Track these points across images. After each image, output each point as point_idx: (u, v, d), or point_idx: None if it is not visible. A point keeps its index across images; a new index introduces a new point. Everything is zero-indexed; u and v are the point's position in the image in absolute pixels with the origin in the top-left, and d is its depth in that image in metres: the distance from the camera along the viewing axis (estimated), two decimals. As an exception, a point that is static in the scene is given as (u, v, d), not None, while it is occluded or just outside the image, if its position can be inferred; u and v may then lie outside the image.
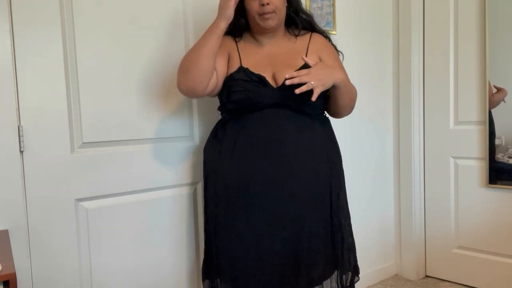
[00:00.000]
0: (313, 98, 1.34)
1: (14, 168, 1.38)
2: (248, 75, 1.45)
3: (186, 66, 1.43)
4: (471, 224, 2.39)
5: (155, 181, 1.70)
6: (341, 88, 1.45)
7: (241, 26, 1.56)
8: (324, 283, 1.51)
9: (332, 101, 1.52)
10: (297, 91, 1.33)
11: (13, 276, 0.96)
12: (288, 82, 1.36)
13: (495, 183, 2.27)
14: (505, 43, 2.20)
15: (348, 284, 1.55)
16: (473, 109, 2.34)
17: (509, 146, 2.23)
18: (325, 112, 1.60)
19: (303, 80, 1.34)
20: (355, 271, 1.59)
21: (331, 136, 1.59)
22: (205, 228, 1.57)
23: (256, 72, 1.46)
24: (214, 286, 1.54)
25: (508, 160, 2.22)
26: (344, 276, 1.54)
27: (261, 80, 1.45)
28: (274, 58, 1.51)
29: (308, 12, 1.64)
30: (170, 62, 1.72)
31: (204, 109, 1.82)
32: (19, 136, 1.39)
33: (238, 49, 1.54)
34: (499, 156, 2.26)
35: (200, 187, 1.82)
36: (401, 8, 2.53)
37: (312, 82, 1.34)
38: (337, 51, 1.64)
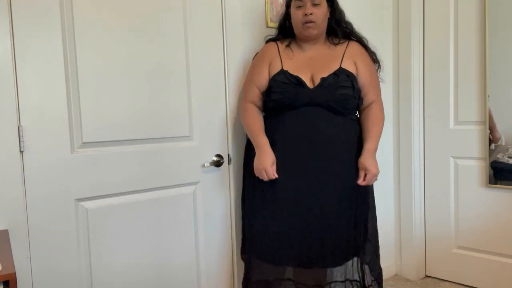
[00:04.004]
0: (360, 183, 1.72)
1: (14, 168, 1.38)
2: (287, 77, 1.67)
3: (243, 124, 1.81)
4: (471, 224, 2.39)
5: (155, 181, 1.70)
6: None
7: (286, 29, 1.80)
8: (346, 266, 1.74)
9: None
10: (362, 183, 1.73)
11: (13, 276, 0.96)
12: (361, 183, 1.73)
13: (495, 183, 2.27)
14: (505, 43, 2.20)
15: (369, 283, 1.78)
16: (473, 109, 2.34)
17: (509, 146, 2.22)
18: (357, 112, 1.79)
19: (371, 181, 1.75)
20: (378, 277, 1.81)
21: (359, 135, 1.76)
22: (244, 211, 1.84)
23: (296, 74, 1.67)
24: (250, 261, 1.77)
25: (508, 160, 2.22)
26: (364, 266, 1.76)
27: (298, 81, 1.66)
28: (313, 62, 1.71)
29: (348, 22, 1.81)
30: (171, 62, 1.72)
31: (204, 110, 1.82)
32: (19, 136, 1.39)
33: (280, 54, 1.75)
34: (499, 156, 2.26)
35: (200, 187, 1.83)
36: (401, 8, 2.53)
37: (375, 179, 1.77)
38: (375, 61, 1.83)
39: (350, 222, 1.71)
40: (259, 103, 1.76)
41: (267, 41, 1.85)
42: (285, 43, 1.79)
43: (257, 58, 1.82)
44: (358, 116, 1.79)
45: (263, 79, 1.73)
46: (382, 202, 2.61)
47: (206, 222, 1.84)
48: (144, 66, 1.66)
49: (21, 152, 1.40)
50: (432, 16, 2.48)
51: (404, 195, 2.60)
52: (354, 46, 1.77)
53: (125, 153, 1.62)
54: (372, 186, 1.82)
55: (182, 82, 1.76)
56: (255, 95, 1.75)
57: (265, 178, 1.64)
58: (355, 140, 1.74)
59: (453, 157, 2.45)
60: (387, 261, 2.63)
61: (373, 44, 2.55)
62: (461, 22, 2.36)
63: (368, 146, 1.72)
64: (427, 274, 2.61)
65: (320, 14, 1.68)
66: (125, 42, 1.61)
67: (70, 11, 1.48)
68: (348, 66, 1.70)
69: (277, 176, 1.64)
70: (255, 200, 1.73)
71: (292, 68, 1.69)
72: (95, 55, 1.54)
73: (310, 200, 1.67)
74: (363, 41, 1.82)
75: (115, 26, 1.58)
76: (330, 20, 1.76)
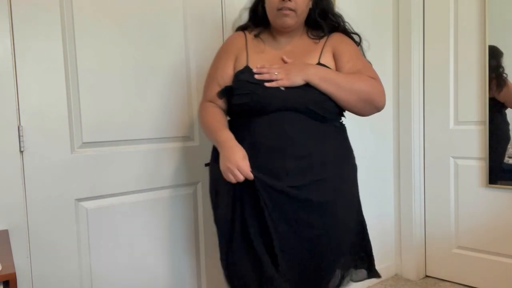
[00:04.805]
0: (267, 84, 1.31)
1: (14, 168, 1.38)
2: (254, 76, 1.34)
3: (201, 127, 1.49)
4: (471, 224, 2.39)
5: (155, 181, 1.70)
6: (322, 85, 1.31)
7: (258, 15, 1.48)
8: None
9: (333, 100, 1.35)
10: (267, 84, 1.31)
11: (13, 276, 0.96)
12: (256, 71, 1.34)
13: (495, 183, 2.27)
14: (505, 43, 2.20)
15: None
16: (473, 109, 2.34)
17: (509, 146, 2.22)
18: (342, 117, 1.45)
19: (271, 70, 1.32)
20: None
21: (346, 148, 1.45)
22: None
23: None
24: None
25: (508, 160, 2.22)
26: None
27: (269, 81, 1.32)
28: (288, 58, 1.40)
29: (338, 14, 1.51)
30: (171, 61, 1.72)
31: (204, 109, 1.82)
32: (19, 136, 1.39)
33: (246, 47, 1.46)
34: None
35: (200, 187, 1.82)
36: (401, 8, 2.53)
37: (276, 73, 1.31)
38: (358, 43, 1.50)
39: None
40: (222, 104, 1.42)
41: (236, 30, 1.55)
42: (255, 32, 1.49)
43: (220, 50, 1.51)
44: (343, 122, 1.46)
45: (226, 76, 1.42)
46: (382, 202, 2.61)
47: (206, 222, 1.84)
48: (145, 66, 1.66)
49: (21, 152, 1.40)
50: (432, 16, 2.48)
51: (404, 195, 2.60)
52: (334, 36, 1.46)
53: (125, 153, 1.62)
54: (358, 210, 1.50)
55: (182, 82, 1.76)
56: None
57: (239, 178, 1.26)
58: (338, 156, 1.39)
59: (453, 157, 2.45)
60: (387, 261, 2.63)
61: (373, 44, 2.54)
62: (461, 22, 2.36)
63: (322, 67, 1.36)
64: (427, 274, 2.61)
65: (302, 2, 1.38)
66: (125, 42, 1.61)
67: (70, 11, 1.48)
68: (328, 60, 1.40)
69: (252, 175, 1.26)
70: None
71: (260, 64, 1.37)
72: (95, 55, 1.54)
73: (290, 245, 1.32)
74: (347, 30, 1.49)
75: (116, 26, 1.58)
76: (313, 10, 1.45)
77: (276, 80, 1.31)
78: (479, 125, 2.32)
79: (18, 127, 1.39)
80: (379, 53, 2.52)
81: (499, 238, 2.29)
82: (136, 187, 1.65)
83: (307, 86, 1.31)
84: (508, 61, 2.20)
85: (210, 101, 1.44)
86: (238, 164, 1.25)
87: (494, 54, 2.23)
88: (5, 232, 1.33)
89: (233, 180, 1.27)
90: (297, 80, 1.31)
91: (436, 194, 2.53)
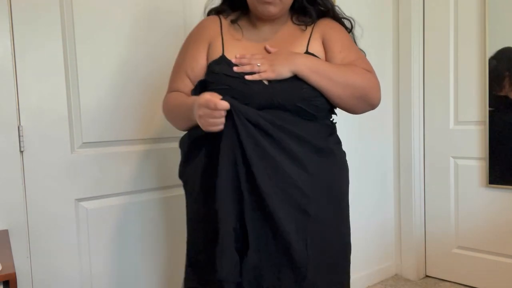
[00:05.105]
0: (248, 77, 1.11)
1: (14, 168, 1.38)
2: (232, 67, 1.14)
3: (169, 118, 1.29)
4: (471, 224, 2.39)
5: (155, 181, 1.70)
6: (312, 78, 1.12)
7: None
8: None
9: (324, 95, 1.17)
10: (248, 77, 1.11)
11: (13, 276, 0.96)
12: (235, 61, 1.14)
13: (495, 183, 2.27)
14: (505, 43, 2.20)
15: None
16: (473, 109, 2.34)
17: (509, 146, 2.23)
18: (333, 115, 1.28)
19: (252, 61, 1.13)
20: None
21: (338, 155, 1.25)
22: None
23: None
24: None
25: (508, 160, 2.22)
26: None
27: (250, 74, 1.12)
28: (270, 47, 1.20)
29: None
30: (171, 61, 1.72)
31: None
32: (19, 136, 1.39)
33: (222, 34, 1.22)
34: (499, 156, 2.26)
35: (200, 187, 1.82)
36: (401, 8, 2.53)
37: (258, 64, 1.12)
38: (348, 29, 1.32)
39: None
40: None
41: (209, 13, 1.32)
42: (231, 17, 1.26)
43: (190, 36, 1.29)
44: (334, 121, 1.28)
45: (198, 67, 1.21)
46: (382, 202, 2.61)
47: (206, 222, 1.84)
48: (145, 66, 1.66)
49: (21, 152, 1.40)
50: (432, 16, 2.48)
51: (404, 195, 2.60)
52: (323, 21, 1.26)
53: (125, 153, 1.62)
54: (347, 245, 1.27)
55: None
56: (185, 87, 1.22)
57: (215, 106, 1.02)
58: (340, 162, 1.24)
59: (453, 157, 2.45)
60: (387, 261, 2.63)
61: (373, 44, 2.54)
62: (461, 22, 2.36)
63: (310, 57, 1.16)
64: (427, 274, 2.61)
65: None
66: (126, 42, 1.61)
67: (70, 11, 1.48)
68: (317, 48, 1.21)
69: (227, 103, 1.04)
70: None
71: (240, 53, 1.16)
72: (95, 55, 1.54)
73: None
74: (337, 15, 1.30)
75: (116, 26, 1.58)
76: None
77: (258, 72, 1.11)
78: (479, 125, 2.32)
79: (18, 127, 1.39)
80: (379, 53, 2.52)
81: (499, 238, 2.29)
82: (136, 187, 1.65)
83: (295, 79, 1.12)
84: None
85: (177, 91, 1.24)
86: (206, 97, 1.03)
87: (507, 54, 2.20)
88: (5, 232, 1.33)
89: (215, 126, 1.05)
90: (284, 71, 1.11)
91: (436, 194, 2.53)
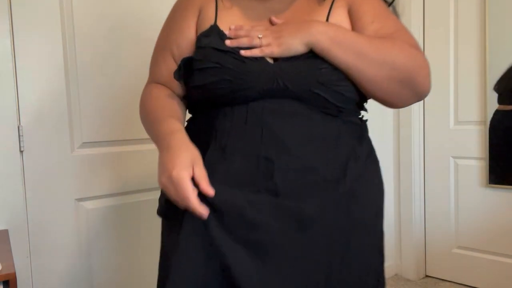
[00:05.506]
0: (244, 52, 0.81)
1: (14, 168, 1.38)
2: (225, 41, 0.84)
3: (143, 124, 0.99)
4: (471, 224, 2.39)
5: (155, 181, 1.69)
6: (335, 52, 0.80)
7: None
8: None
9: (352, 78, 0.83)
10: (243, 52, 0.81)
11: (13, 276, 0.96)
12: (229, 33, 0.84)
13: (495, 183, 2.27)
14: (506, 43, 2.20)
15: None
16: (473, 109, 2.34)
17: (509, 146, 2.23)
18: (363, 109, 0.95)
19: (251, 33, 0.83)
20: None
21: (372, 161, 0.96)
22: None
23: None
24: None
25: None
26: None
27: (248, 49, 0.82)
28: (278, 18, 0.89)
29: None
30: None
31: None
32: (19, 136, 1.39)
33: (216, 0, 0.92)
34: (499, 156, 2.26)
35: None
36: (401, 8, 2.53)
37: (260, 36, 0.82)
38: (387, 1, 1.05)
39: None
40: (179, 89, 0.93)
41: None
42: None
43: (176, 4, 0.99)
44: (363, 118, 0.96)
45: (185, 42, 0.91)
46: (382, 202, 2.61)
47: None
48: (145, 66, 1.66)
49: (21, 152, 1.40)
50: (432, 16, 2.48)
51: (404, 195, 2.60)
52: None
53: (125, 153, 1.62)
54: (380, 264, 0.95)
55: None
56: (169, 73, 0.91)
57: (185, 202, 0.76)
58: (370, 168, 0.94)
59: (453, 157, 2.45)
60: (387, 261, 2.62)
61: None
62: (461, 22, 2.36)
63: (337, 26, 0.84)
64: (427, 274, 2.61)
65: None
66: (125, 42, 1.60)
67: (70, 11, 1.48)
68: (341, 18, 0.89)
69: (212, 192, 0.76)
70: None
71: (236, 24, 0.87)
72: (95, 55, 1.54)
73: None
74: None
75: (116, 26, 1.58)
76: None
77: (260, 46, 0.81)
78: (479, 125, 2.32)
79: (18, 127, 1.39)
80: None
81: (499, 238, 2.29)
82: (136, 187, 1.65)
83: (311, 55, 0.81)
84: (508, 60, 2.19)
85: (161, 84, 0.96)
86: (179, 176, 0.75)
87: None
88: (5, 232, 1.33)
89: (175, 199, 0.78)
90: (294, 44, 0.80)
91: (436, 194, 2.53)
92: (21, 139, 1.39)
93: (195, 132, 0.88)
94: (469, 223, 2.40)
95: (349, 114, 0.89)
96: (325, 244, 0.82)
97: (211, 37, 0.85)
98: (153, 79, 0.99)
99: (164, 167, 0.80)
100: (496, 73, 2.22)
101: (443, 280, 2.54)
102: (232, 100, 0.83)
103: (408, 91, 0.86)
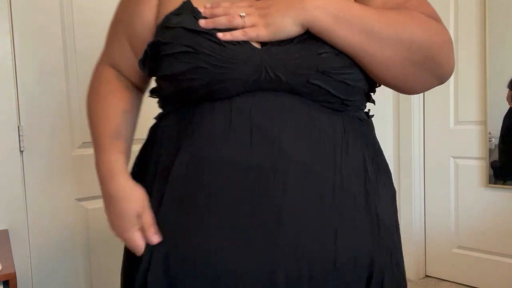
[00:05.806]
0: (222, 35, 0.63)
1: (14, 168, 1.38)
2: (199, 21, 0.66)
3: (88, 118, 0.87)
4: (471, 224, 2.39)
5: (155, 181, 1.70)
6: (338, 31, 0.63)
7: None
8: None
9: (359, 63, 0.66)
10: (221, 35, 0.63)
11: (13, 276, 0.96)
12: (205, 12, 0.66)
13: (495, 183, 2.27)
14: (506, 43, 2.20)
15: None
16: (473, 109, 2.34)
17: None
18: (370, 101, 0.81)
19: (231, 10, 0.65)
20: None
21: (382, 167, 0.84)
22: None
23: None
24: None
25: (508, 160, 2.22)
26: None
27: (228, 30, 0.65)
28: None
29: None
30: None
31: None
32: (19, 136, 1.39)
33: None
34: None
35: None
36: (401, 8, 2.54)
37: (242, 14, 0.64)
38: None
39: None
40: (134, 75, 0.83)
41: None
42: None
43: None
44: (370, 115, 0.82)
45: (143, 24, 0.78)
46: (382, 202, 2.61)
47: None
48: (144, 66, 1.66)
49: (21, 152, 1.40)
50: (432, 16, 2.48)
51: (404, 195, 2.60)
52: None
53: (125, 153, 1.62)
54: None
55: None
56: (123, 58, 0.82)
57: (137, 246, 0.73)
58: (371, 181, 0.76)
59: (453, 157, 2.45)
60: (387, 261, 2.62)
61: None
62: (461, 21, 2.36)
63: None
64: (427, 274, 2.61)
65: None
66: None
67: (70, 11, 1.48)
68: None
69: (156, 240, 0.70)
70: None
71: (213, 1, 0.70)
72: (94, 55, 1.54)
73: None
74: None
75: (115, 26, 1.58)
76: None
77: (243, 27, 0.64)
78: (479, 125, 2.32)
79: (18, 127, 1.39)
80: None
81: (499, 238, 2.29)
82: (136, 187, 1.65)
83: (307, 37, 0.64)
84: (508, 60, 2.19)
85: (113, 67, 0.85)
86: (129, 238, 0.73)
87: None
88: (5, 232, 1.33)
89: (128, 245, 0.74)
90: (286, 25, 0.63)
91: (436, 194, 2.53)
92: (21, 139, 1.39)
93: (163, 135, 0.78)
94: (469, 223, 2.40)
95: (355, 108, 0.73)
96: None
97: (182, 16, 0.67)
98: (106, 60, 0.87)
99: (112, 223, 0.77)
100: (496, 73, 2.22)
101: (443, 280, 2.54)
102: (210, 94, 0.65)
103: (428, 74, 0.70)
